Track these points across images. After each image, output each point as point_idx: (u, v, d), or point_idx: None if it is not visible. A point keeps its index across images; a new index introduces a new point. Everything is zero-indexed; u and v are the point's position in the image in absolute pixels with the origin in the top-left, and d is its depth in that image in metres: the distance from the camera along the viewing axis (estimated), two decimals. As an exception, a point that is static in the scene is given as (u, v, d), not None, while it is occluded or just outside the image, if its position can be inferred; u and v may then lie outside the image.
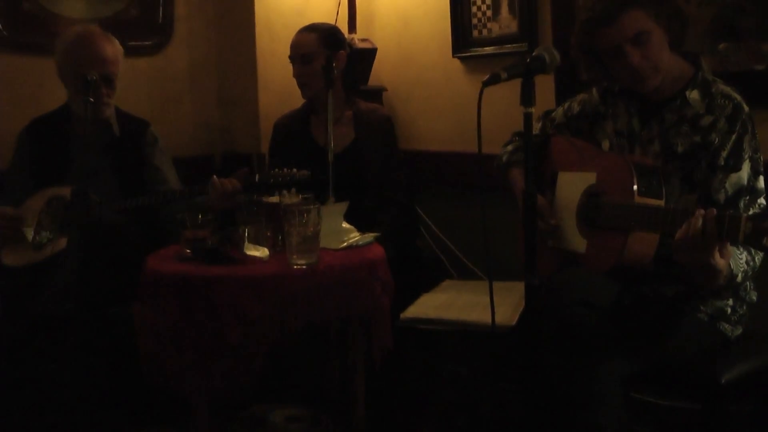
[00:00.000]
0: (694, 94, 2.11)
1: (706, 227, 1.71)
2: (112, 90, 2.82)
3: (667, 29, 2.08)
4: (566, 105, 2.44)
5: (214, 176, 2.67)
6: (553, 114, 2.48)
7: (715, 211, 1.71)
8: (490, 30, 3.26)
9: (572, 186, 2.25)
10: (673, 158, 2.11)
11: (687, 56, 2.17)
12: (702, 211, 1.73)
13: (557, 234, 2.26)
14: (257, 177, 2.62)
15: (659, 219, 1.91)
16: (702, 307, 2.09)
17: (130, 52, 3.49)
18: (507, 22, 3.18)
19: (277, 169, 2.63)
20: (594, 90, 2.35)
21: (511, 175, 2.49)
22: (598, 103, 2.32)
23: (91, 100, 2.58)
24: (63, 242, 2.59)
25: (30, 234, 2.66)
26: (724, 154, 2.03)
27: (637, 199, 2.00)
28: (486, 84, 1.78)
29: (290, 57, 3.13)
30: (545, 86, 2.81)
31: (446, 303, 2.74)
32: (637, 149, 2.19)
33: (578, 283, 2.06)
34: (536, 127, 2.49)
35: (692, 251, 1.75)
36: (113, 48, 2.83)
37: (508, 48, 3.16)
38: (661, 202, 2.01)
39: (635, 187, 2.01)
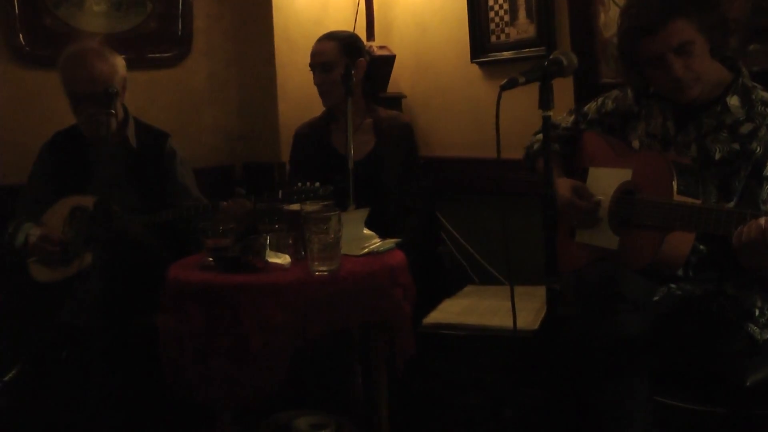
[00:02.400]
0: (733, 101, 2.09)
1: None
2: (102, 107, 2.70)
3: (709, 38, 2.05)
4: (600, 101, 2.43)
5: (223, 202, 2.70)
6: (586, 108, 2.46)
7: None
8: (507, 35, 3.26)
9: (605, 182, 2.23)
10: (710, 164, 2.09)
11: (725, 61, 2.14)
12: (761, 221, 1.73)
13: (588, 230, 2.24)
14: (280, 193, 2.62)
15: (703, 218, 1.89)
16: (730, 309, 2.06)
17: (150, 64, 3.55)
18: (525, 27, 3.18)
19: (300, 184, 2.63)
20: (629, 89, 2.34)
21: (538, 164, 2.47)
22: (632, 103, 2.31)
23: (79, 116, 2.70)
24: (89, 257, 2.61)
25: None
26: None
27: (676, 198, 1.99)
28: (504, 88, 1.78)
29: (310, 65, 3.14)
30: (565, 89, 2.80)
31: (468, 308, 2.74)
32: (671, 152, 2.17)
33: (613, 279, 2.02)
34: (568, 120, 2.48)
35: (758, 258, 1.77)
36: (105, 65, 2.77)
37: (526, 52, 3.16)
38: (698, 202, 2.00)
39: (674, 184, 2.00)
